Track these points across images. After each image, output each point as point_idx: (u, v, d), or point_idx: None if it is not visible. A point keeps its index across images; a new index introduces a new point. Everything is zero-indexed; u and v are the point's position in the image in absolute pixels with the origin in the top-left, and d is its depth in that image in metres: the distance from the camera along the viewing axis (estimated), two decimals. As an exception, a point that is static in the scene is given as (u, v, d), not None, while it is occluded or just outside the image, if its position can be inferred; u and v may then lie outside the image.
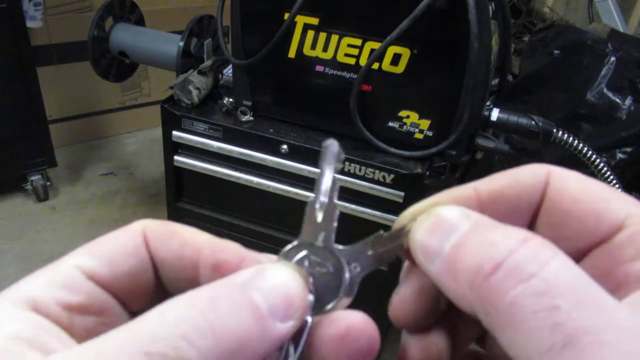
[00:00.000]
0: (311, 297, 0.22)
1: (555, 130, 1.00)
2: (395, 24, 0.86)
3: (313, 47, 0.97)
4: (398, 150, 1.00)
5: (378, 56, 0.91)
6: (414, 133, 0.99)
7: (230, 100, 1.09)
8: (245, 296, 0.19)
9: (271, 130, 1.05)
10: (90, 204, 2.00)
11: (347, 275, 0.23)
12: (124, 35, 1.46)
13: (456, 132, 0.93)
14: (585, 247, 0.20)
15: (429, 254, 0.20)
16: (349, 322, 0.21)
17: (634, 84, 1.52)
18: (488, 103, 1.02)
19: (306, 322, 0.21)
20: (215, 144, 1.07)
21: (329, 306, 0.22)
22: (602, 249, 0.20)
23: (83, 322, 0.20)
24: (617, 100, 1.54)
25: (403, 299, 0.24)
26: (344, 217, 1.05)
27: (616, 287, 0.19)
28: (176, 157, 1.12)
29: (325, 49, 0.96)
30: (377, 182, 1.00)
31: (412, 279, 0.24)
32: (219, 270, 0.22)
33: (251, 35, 1.00)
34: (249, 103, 1.07)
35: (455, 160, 1.02)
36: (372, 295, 1.16)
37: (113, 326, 0.18)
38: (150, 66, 1.76)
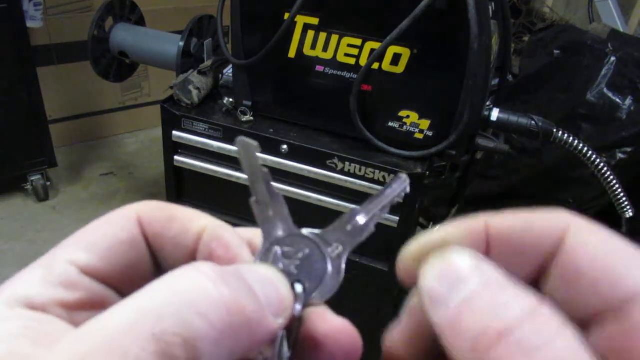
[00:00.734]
0: (300, 288, 0.22)
1: (555, 130, 0.99)
2: (395, 24, 0.86)
3: (313, 47, 0.97)
4: (398, 150, 1.00)
5: (378, 56, 0.91)
6: (414, 133, 0.99)
7: (230, 100, 1.09)
8: (246, 282, 0.19)
9: (271, 130, 1.05)
10: (90, 204, 2.00)
11: (329, 250, 0.23)
12: (124, 35, 1.46)
13: (456, 132, 0.93)
14: (597, 312, 0.19)
15: (436, 301, 0.19)
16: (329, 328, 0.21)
17: (634, 84, 1.52)
18: (488, 103, 1.02)
19: (299, 312, 0.21)
20: (215, 144, 1.07)
21: (318, 291, 0.22)
22: (616, 321, 0.18)
23: (84, 317, 0.19)
24: (617, 100, 1.54)
25: (401, 335, 0.23)
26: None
27: None
28: (176, 157, 1.12)
29: (325, 49, 0.96)
30: (377, 182, 1.00)
31: (413, 317, 0.23)
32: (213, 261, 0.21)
33: (251, 35, 1.00)
34: (249, 103, 1.07)
35: (455, 160, 1.02)
36: (372, 295, 1.16)
37: None
38: (150, 66, 1.76)
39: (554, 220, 0.20)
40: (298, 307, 0.21)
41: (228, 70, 1.20)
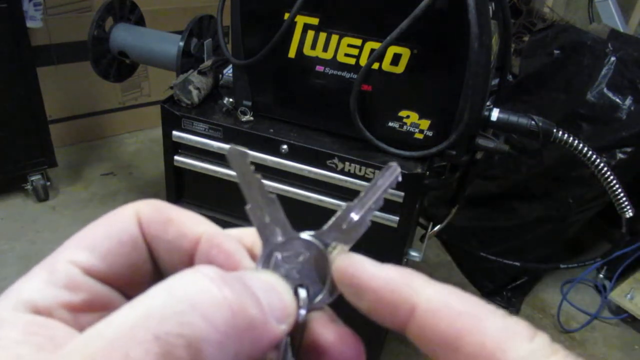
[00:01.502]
0: (303, 293, 0.22)
1: (555, 130, 0.99)
2: (395, 24, 0.86)
3: (313, 47, 0.97)
4: (398, 150, 1.00)
5: (378, 56, 0.91)
6: (414, 133, 0.99)
7: (230, 100, 1.09)
8: (250, 288, 0.19)
9: (271, 130, 1.05)
10: (90, 204, 2.00)
11: (328, 250, 0.22)
12: (124, 35, 1.46)
13: (456, 132, 0.93)
14: None
15: None
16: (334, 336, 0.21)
17: (634, 84, 1.52)
18: (488, 103, 1.02)
19: (303, 317, 0.21)
20: (215, 144, 1.07)
21: (321, 295, 0.22)
22: None
23: (88, 319, 0.19)
24: (617, 100, 1.54)
25: None
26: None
27: None
28: (176, 157, 1.12)
29: (325, 49, 0.96)
30: (377, 182, 0.99)
31: None
32: None
33: (251, 35, 1.00)
34: (249, 103, 1.07)
35: (455, 160, 1.02)
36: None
37: None
38: (150, 66, 1.76)
39: (405, 293, 0.20)
40: (302, 311, 0.21)
41: (228, 70, 1.20)
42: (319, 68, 0.98)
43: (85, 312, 0.20)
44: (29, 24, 1.77)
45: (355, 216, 0.23)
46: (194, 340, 0.16)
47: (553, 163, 1.63)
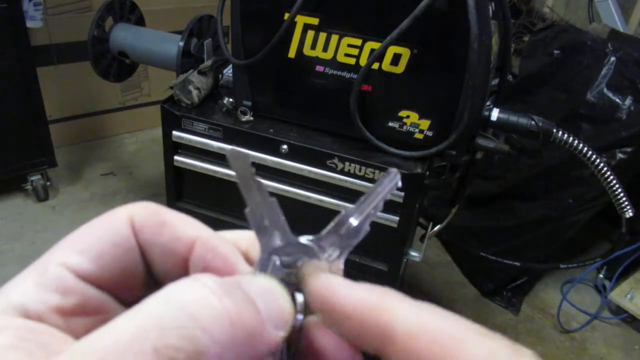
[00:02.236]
0: (300, 298, 0.21)
1: (555, 130, 0.99)
2: (395, 24, 0.86)
3: (313, 47, 0.97)
4: (398, 150, 1.00)
5: (378, 56, 0.91)
6: (414, 133, 0.99)
7: (230, 100, 1.09)
8: (248, 294, 0.18)
9: (271, 130, 1.05)
10: (90, 204, 2.00)
11: (326, 255, 0.22)
12: (124, 35, 1.46)
13: (456, 132, 0.93)
14: None
15: None
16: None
17: (634, 84, 1.52)
18: (488, 103, 1.02)
19: (300, 321, 0.21)
20: (215, 144, 1.07)
21: None
22: None
23: (80, 323, 0.19)
24: (617, 100, 1.54)
25: None
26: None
27: None
28: (176, 157, 1.12)
29: (325, 49, 0.96)
30: (377, 182, 0.99)
31: None
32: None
33: (251, 35, 1.00)
34: (249, 103, 1.07)
35: (455, 160, 1.02)
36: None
37: None
38: (150, 66, 1.76)
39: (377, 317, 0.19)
40: (299, 316, 0.21)
41: (228, 70, 1.20)
42: (319, 68, 0.98)
43: (77, 316, 0.19)
44: (29, 24, 1.77)
45: (354, 221, 0.23)
46: (193, 354, 0.15)
47: (553, 163, 1.63)
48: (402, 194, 0.99)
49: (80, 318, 0.19)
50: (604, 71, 1.55)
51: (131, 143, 2.44)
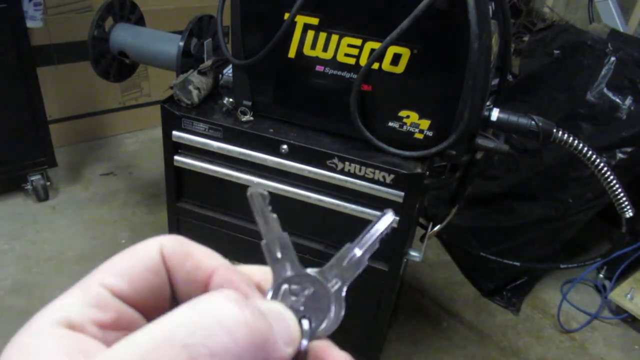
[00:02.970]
0: (306, 324, 0.24)
1: (555, 130, 0.99)
2: (395, 24, 0.86)
3: (313, 47, 0.97)
4: (398, 150, 1.00)
5: (378, 56, 0.91)
6: (414, 133, 0.99)
7: (230, 100, 1.09)
8: (263, 312, 0.21)
9: (271, 130, 1.05)
10: (90, 204, 2.00)
11: (330, 285, 0.25)
12: (124, 35, 1.46)
13: (456, 132, 0.93)
14: None
15: None
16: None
17: (634, 84, 1.52)
18: (488, 103, 1.02)
19: (305, 346, 0.23)
20: (215, 144, 1.07)
21: (323, 325, 0.24)
22: None
23: (115, 336, 0.22)
24: (617, 100, 1.54)
25: None
26: (345, 217, 1.06)
27: None
28: (176, 157, 1.12)
29: (325, 49, 0.96)
30: (377, 182, 1.00)
31: None
32: None
33: (251, 35, 1.00)
34: (249, 103, 1.07)
35: (456, 160, 1.02)
36: (372, 295, 1.16)
37: None
38: (150, 66, 1.75)
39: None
40: (304, 342, 0.23)
41: (228, 70, 1.20)
42: (319, 68, 0.98)
43: (113, 330, 0.22)
44: (29, 24, 1.77)
45: (358, 252, 0.26)
46: (217, 351, 0.18)
47: (553, 163, 1.63)
48: (402, 194, 0.99)
49: (115, 332, 0.22)
50: (604, 71, 1.55)
51: (131, 143, 2.44)
